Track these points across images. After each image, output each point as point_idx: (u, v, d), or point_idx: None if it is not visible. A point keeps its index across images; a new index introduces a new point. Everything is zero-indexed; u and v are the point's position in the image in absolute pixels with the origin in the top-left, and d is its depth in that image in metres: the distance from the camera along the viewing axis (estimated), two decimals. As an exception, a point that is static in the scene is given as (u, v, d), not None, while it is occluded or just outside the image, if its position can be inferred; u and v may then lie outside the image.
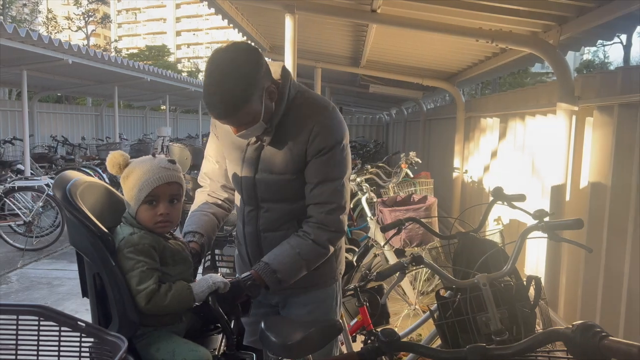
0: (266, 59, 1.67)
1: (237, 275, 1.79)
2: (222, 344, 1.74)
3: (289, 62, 3.74)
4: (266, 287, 1.67)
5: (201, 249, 1.81)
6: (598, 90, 2.80)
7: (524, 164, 3.91)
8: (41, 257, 6.12)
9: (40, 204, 6.38)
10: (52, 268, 5.69)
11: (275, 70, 1.68)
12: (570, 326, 0.92)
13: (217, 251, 3.30)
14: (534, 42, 3.39)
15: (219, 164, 1.93)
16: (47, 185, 6.29)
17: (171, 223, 1.65)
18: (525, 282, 1.82)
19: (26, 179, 6.90)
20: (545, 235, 1.89)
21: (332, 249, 1.73)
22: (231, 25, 5.68)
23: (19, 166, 7.70)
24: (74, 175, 1.62)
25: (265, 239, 1.79)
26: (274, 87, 1.63)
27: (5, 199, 6.33)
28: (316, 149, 1.65)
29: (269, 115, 1.63)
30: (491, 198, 2.46)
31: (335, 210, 1.68)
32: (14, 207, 6.37)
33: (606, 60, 30.11)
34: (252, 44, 6.66)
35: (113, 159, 1.66)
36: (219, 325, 1.72)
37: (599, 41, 4.33)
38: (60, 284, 5.12)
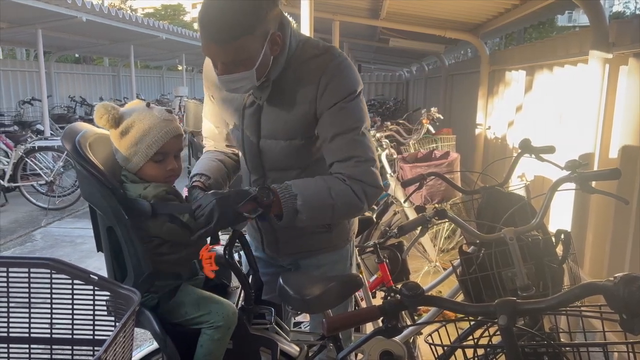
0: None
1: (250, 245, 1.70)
2: (241, 298, 1.71)
3: (305, 15, 3.59)
4: (279, 217, 1.44)
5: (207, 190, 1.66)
6: (634, 35, 2.61)
7: (551, 118, 3.75)
8: (64, 216, 6.22)
9: (61, 163, 6.44)
10: (75, 227, 5.78)
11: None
12: (612, 279, 0.85)
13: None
14: (565, -15, 3.18)
15: (219, 129, 1.75)
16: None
17: (177, 176, 1.63)
18: (553, 237, 1.75)
19: (46, 139, 6.97)
20: (577, 187, 1.80)
21: (366, 203, 1.48)
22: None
23: (39, 126, 7.76)
24: (83, 126, 1.57)
25: None
26: (279, 37, 1.40)
27: (27, 159, 6.40)
28: (328, 102, 1.44)
29: (263, 69, 1.40)
30: (518, 152, 2.35)
31: (362, 163, 1.45)
32: (35, 167, 6.45)
33: (638, 12, 28.75)
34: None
35: (104, 109, 1.51)
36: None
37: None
38: (83, 242, 5.20)
